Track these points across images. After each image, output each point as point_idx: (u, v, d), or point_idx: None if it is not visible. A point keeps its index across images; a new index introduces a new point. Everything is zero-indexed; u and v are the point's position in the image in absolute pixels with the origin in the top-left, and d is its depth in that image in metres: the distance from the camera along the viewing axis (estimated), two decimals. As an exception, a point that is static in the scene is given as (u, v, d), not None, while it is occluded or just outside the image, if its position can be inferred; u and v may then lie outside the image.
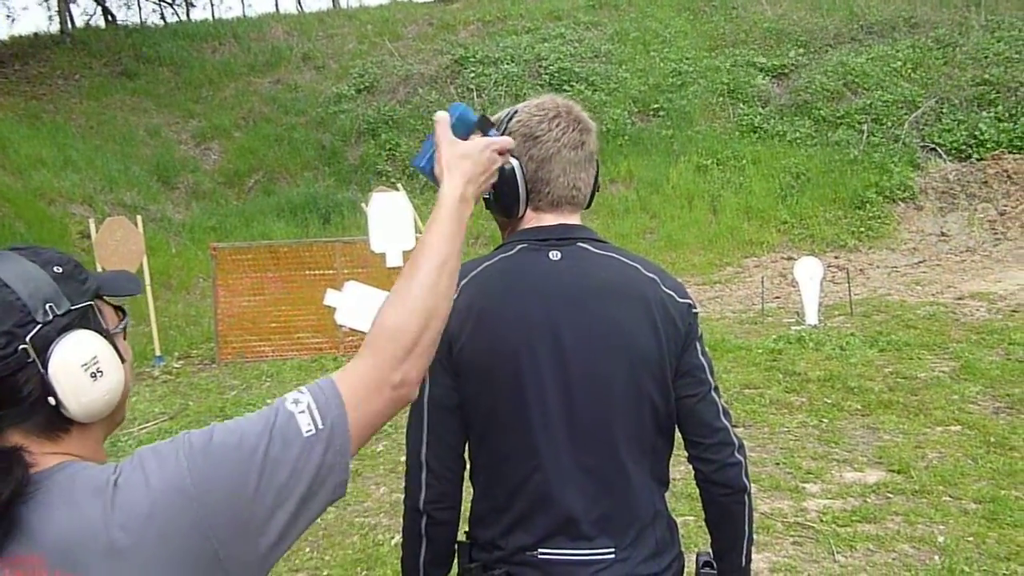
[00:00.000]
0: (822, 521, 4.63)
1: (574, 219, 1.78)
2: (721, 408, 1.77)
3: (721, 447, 1.73)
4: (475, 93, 18.14)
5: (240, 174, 16.94)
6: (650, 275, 1.74)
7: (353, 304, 9.12)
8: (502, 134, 1.75)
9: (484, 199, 1.74)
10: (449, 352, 1.73)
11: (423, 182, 16.49)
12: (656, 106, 17.28)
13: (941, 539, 4.31)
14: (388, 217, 9.46)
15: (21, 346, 1.08)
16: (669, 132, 16.67)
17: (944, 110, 15.56)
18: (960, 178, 14.26)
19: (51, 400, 1.10)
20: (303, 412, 1.12)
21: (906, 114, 15.71)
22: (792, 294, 11.54)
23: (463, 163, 1.46)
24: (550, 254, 1.71)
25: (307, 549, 4.68)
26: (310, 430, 1.12)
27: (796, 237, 14.05)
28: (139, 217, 9.22)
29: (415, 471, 1.75)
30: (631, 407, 1.71)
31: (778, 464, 5.51)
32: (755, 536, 4.45)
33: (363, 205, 10.48)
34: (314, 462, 1.12)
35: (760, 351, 8.38)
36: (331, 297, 9.11)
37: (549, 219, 1.76)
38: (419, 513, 1.76)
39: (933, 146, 15.06)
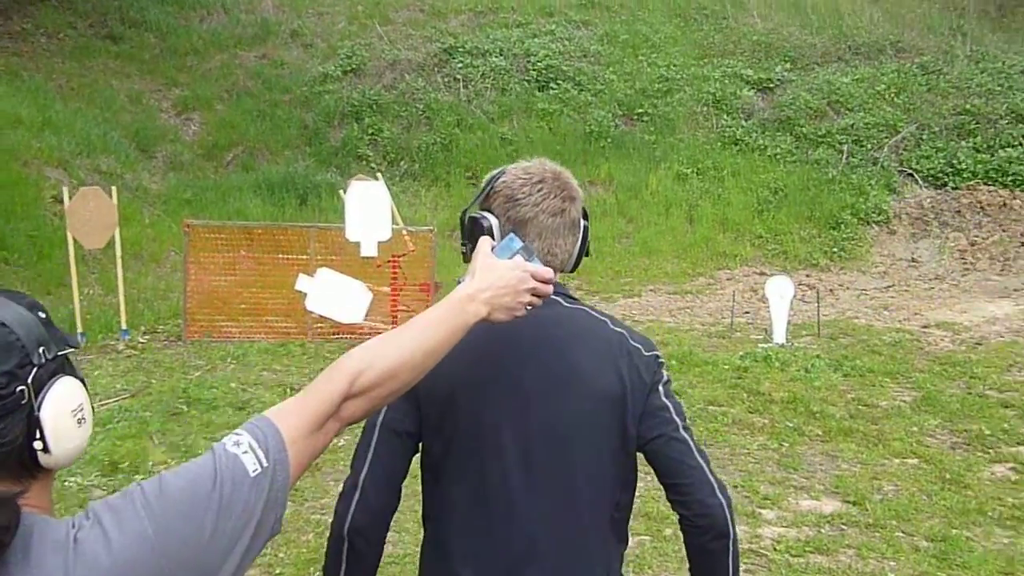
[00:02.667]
0: (775, 550, 4.69)
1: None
2: (694, 447, 1.76)
3: (699, 486, 1.72)
4: (462, 84, 18.08)
5: (220, 147, 16.75)
6: (618, 329, 1.79)
7: (324, 291, 9.09)
8: (487, 193, 1.79)
9: (462, 253, 1.80)
10: None
11: (403, 170, 16.44)
12: (641, 111, 17.30)
13: (891, 576, 4.39)
14: (365, 206, 9.41)
15: (20, 387, 1.08)
16: (652, 138, 16.70)
17: (924, 136, 15.71)
18: (935, 205, 14.42)
19: (37, 444, 1.10)
20: (247, 452, 1.14)
21: (886, 138, 15.84)
22: (761, 310, 11.61)
23: (487, 273, 1.52)
24: None
25: (262, 544, 4.68)
26: (256, 469, 1.14)
27: (770, 252, 14.14)
28: (114, 188, 9.11)
29: (348, 493, 1.77)
30: (592, 454, 1.73)
31: (736, 487, 5.56)
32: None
33: (341, 192, 10.43)
34: (262, 500, 1.14)
35: (726, 367, 8.44)
36: (303, 282, 9.07)
37: None
38: (341, 540, 1.77)
39: (911, 171, 15.21)
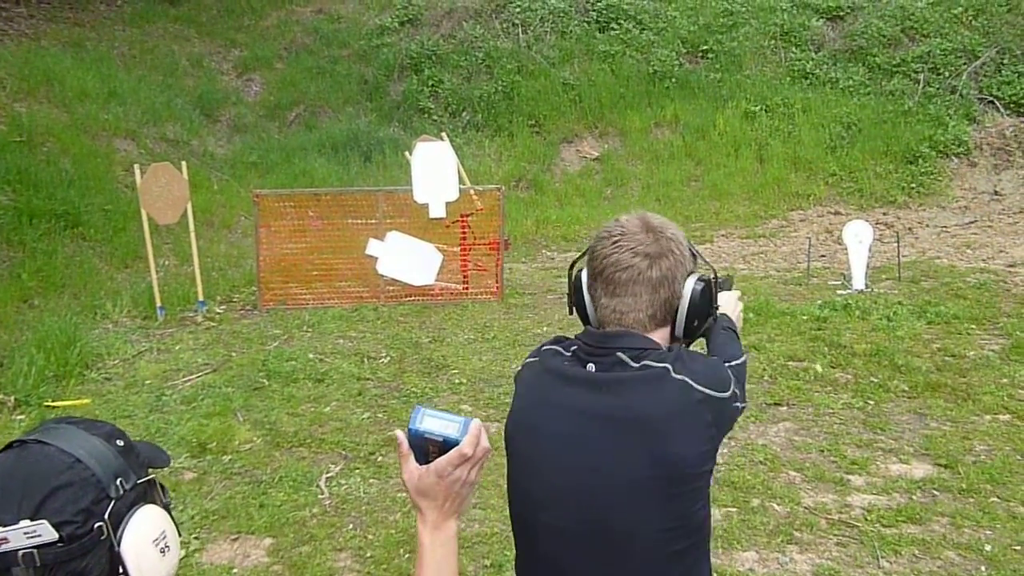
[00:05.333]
0: (867, 520, 4.59)
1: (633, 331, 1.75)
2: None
3: None
4: (520, 29, 17.78)
5: (281, 107, 16.81)
6: (679, 377, 1.66)
7: (395, 254, 9.16)
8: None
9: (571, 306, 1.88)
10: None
11: (466, 121, 16.32)
12: (705, 48, 16.82)
13: (988, 547, 4.27)
14: (432, 167, 9.38)
15: (97, 524, 1.08)
16: (718, 76, 16.25)
17: (1005, 61, 14.99)
18: (1017, 134, 13.81)
19: None
20: None
21: (965, 64, 15.17)
22: (838, 252, 11.34)
23: (424, 501, 1.36)
24: (587, 365, 1.73)
25: (350, 526, 4.74)
26: None
27: (844, 191, 13.75)
28: (184, 163, 9.19)
29: None
30: (633, 556, 1.69)
31: (823, 451, 5.47)
32: (798, 533, 4.42)
33: (407, 153, 10.39)
34: None
35: (805, 317, 8.27)
36: (373, 247, 9.16)
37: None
38: None
39: (991, 99, 14.57)
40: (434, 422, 1.34)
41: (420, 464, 1.35)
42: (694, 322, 1.77)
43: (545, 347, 1.82)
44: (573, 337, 1.82)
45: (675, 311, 1.75)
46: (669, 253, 1.73)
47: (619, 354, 1.69)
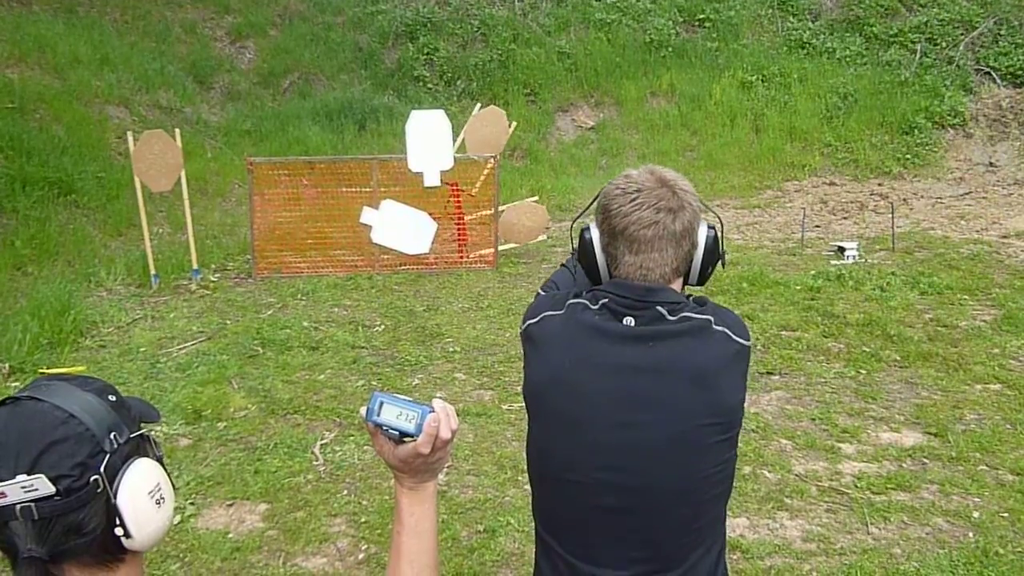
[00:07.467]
0: (857, 487, 4.64)
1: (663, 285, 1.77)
2: None
3: None
4: (516, -3, 17.67)
5: (275, 74, 16.67)
6: (720, 328, 1.73)
7: (389, 223, 9.13)
8: (597, 201, 1.77)
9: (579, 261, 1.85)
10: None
11: (460, 89, 16.22)
12: (702, 16, 16.73)
13: (976, 514, 4.32)
14: (427, 136, 9.34)
15: (93, 477, 1.09)
16: (715, 45, 16.18)
17: (1002, 32, 14.95)
18: (1014, 105, 13.80)
19: (118, 531, 1.10)
20: None
21: (962, 34, 15.12)
22: (833, 222, 11.37)
23: (397, 472, 1.39)
24: (624, 320, 1.71)
25: (344, 492, 4.77)
26: None
27: (840, 161, 13.75)
28: (177, 131, 9.13)
29: None
30: (677, 504, 1.72)
31: (814, 420, 5.51)
32: (788, 500, 4.45)
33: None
34: None
35: (798, 287, 8.30)
36: (367, 215, 9.13)
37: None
38: None
39: (988, 70, 14.54)
40: (392, 412, 1.32)
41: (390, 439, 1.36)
42: (708, 268, 1.81)
43: (570, 301, 1.79)
44: (592, 290, 1.79)
45: (691, 260, 1.78)
46: (688, 205, 1.74)
47: (658, 308, 1.70)
